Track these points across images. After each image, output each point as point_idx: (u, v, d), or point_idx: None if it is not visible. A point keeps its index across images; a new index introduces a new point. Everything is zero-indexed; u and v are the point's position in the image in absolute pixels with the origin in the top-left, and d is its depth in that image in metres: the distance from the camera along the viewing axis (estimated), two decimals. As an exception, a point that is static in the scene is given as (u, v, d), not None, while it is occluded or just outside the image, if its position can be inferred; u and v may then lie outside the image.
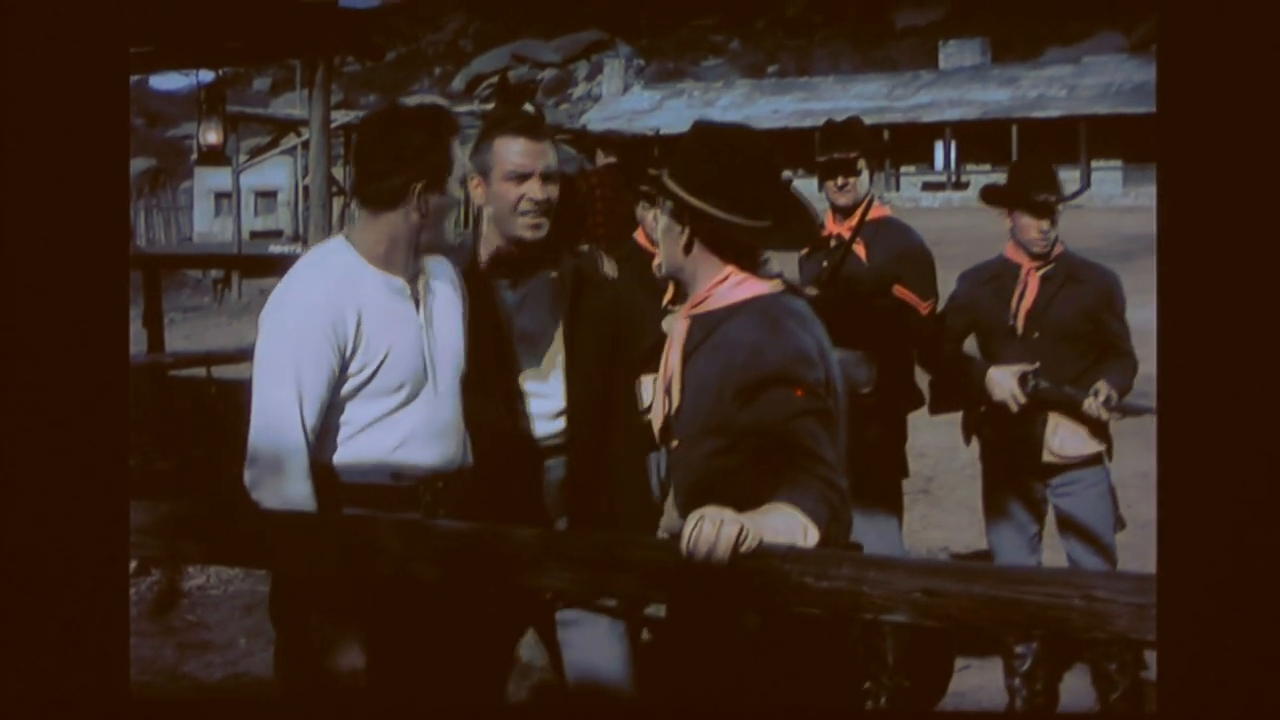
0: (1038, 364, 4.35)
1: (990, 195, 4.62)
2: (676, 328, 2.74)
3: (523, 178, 3.17)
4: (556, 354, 3.25)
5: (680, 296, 2.79)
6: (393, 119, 3.03)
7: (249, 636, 5.69)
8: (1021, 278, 4.47)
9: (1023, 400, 4.33)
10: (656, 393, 2.81)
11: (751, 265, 2.67)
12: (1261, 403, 2.13)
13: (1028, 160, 4.33)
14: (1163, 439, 2.17)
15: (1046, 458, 4.42)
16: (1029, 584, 2.05)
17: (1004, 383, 4.35)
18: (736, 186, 2.61)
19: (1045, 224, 4.40)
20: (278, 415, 2.88)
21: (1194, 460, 2.14)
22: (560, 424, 3.24)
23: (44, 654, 2.46)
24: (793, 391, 2.49)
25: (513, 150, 3.18)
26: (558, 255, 3.29)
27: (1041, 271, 4.45)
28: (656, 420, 2.79)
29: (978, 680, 4.82)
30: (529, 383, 3.24)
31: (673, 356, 2.73)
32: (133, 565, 5.70)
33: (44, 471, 2.48)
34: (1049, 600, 2.01)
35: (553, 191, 3.20)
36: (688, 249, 2.66)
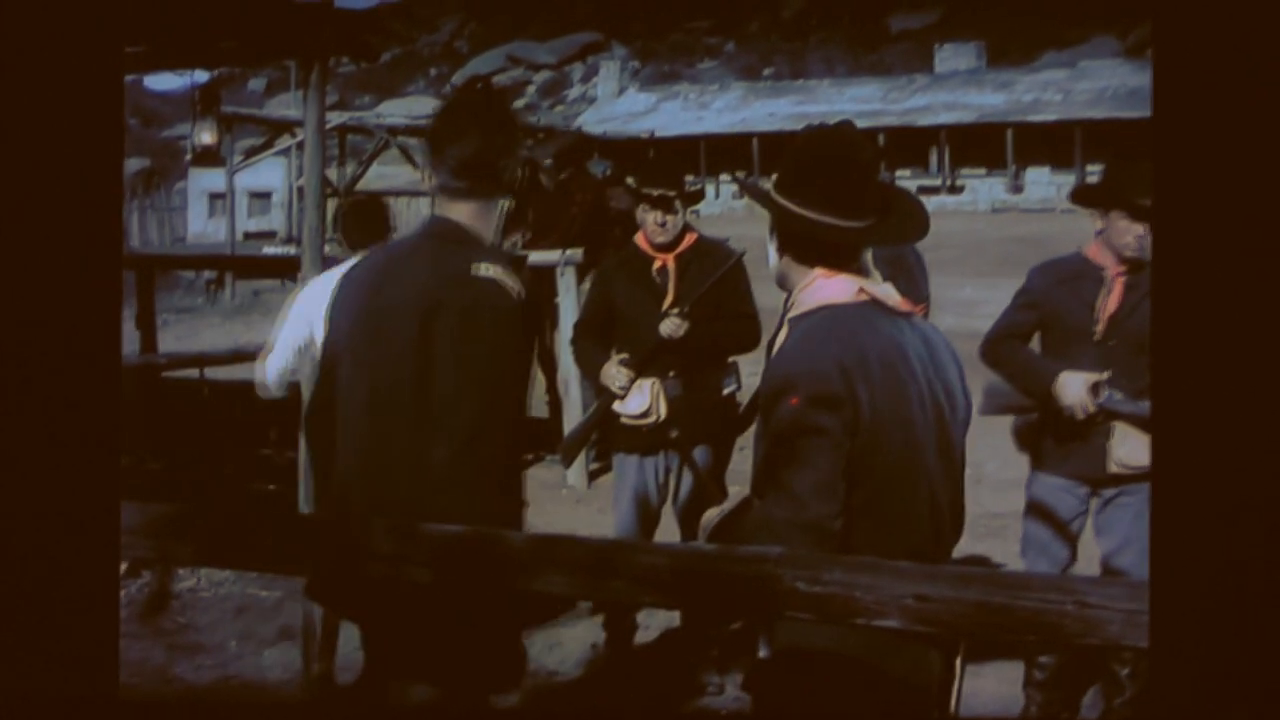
0: (1109, 373, 4.17)
1: (1086, 196, 4.40)
2: (782, 332, 2.69)
3: None
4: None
5: None
6: None
7: (239, 639, 5.69)
8: (1107, 281, 4.26)
9: (1091, 410, 4.16)
10: None
11: (842, 269, 2.59)
12: (1256, 410, 2.13)
13: (1128, 162, 4.06)
14: (1156, 445, 2.18)
15: (1112, 468, 4.23)
16: (1022, 590, 2.05)
17: (1076, 388, 4.17)
18: (824, 185, 2.55)
19: (1143, 228, 4.14)
20: None
21: (1187, 468, 2.14)
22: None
23: (34, 655, 2.46)
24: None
25: None
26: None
27: (1127, 278, 4.24)
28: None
29: (970, 686, 4.80)
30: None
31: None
32: (123, 567, 5.69)
33: (35, 472, 2.47)
34: (1042, 606, 2.01)
35: None
36: (781, 252, 2.64)
